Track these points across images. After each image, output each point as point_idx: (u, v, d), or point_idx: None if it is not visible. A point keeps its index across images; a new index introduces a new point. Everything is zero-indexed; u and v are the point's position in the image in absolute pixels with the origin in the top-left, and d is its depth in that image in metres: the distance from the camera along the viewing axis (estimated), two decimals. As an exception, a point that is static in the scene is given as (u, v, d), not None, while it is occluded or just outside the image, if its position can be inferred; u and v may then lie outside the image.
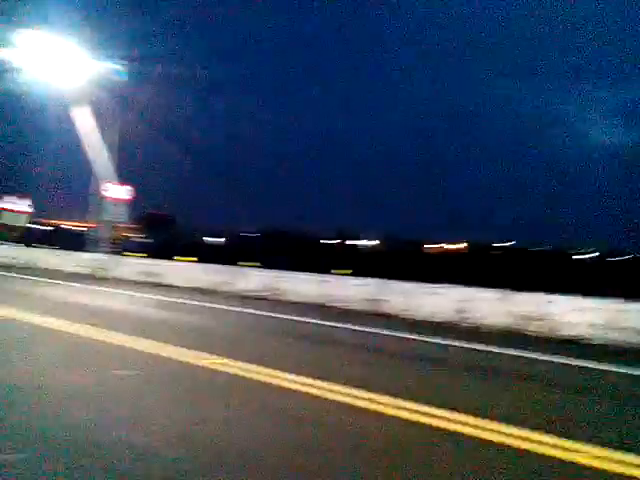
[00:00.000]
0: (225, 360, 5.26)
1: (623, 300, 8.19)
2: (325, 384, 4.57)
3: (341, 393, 4.36)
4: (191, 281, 13.95)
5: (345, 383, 4.61)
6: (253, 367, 5.02)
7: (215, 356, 5.41)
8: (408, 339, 7.97)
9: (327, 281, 11.90)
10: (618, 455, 3.41)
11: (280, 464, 2.96)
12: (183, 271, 15.66)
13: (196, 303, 10.87)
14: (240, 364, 5.12)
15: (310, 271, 13.94)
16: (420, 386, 5.10)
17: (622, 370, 6.28)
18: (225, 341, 7.07)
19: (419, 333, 8.23)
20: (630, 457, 3.41)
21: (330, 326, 8.90)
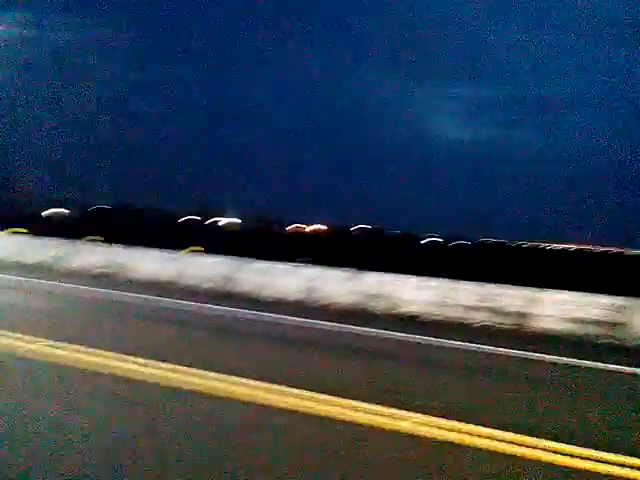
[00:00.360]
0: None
1: (454, 280, 8.97)
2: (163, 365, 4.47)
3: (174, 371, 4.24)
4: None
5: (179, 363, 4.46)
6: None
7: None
8: (256, 318, 7.86)
9: (178, 259, 11.30)
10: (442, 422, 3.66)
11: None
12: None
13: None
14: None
15: (164, 248, 13.10)
16: (261, 364, 5.03)
17: (457, 344, 6.83)
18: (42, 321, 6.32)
19: (270, 312, 8.18)
20: (451, 423, 3.65)
21: (175, 306, 8.43)
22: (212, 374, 4.35)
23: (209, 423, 3.52)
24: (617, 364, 6.21)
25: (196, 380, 4.22)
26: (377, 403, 3.93)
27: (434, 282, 8.95)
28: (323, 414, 3.71)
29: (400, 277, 9.23)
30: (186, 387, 4.04)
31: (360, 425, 3.56)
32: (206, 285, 10.42)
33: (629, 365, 6.19)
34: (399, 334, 7.18)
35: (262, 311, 8.22)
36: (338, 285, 9.50)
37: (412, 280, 9.10)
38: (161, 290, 9.62)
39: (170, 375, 4.29)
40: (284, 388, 4.15)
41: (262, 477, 2.76)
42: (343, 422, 3.60)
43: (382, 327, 7.56)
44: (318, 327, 7.47)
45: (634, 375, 5.94)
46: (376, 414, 3.74)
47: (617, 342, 7.56)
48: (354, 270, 9.61)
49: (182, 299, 8.81)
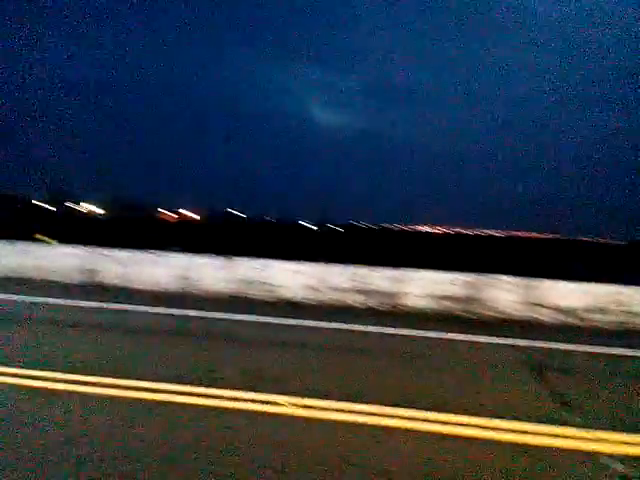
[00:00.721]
0: None
1: (329, 264, 9.13)
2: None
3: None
4: None
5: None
6: None
7: None
8: (119, 310, 7.28)
9: (29, 250, 10.02)
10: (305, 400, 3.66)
11: None
12: None
13: None
14: None
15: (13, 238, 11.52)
16: (116, 357, 4.62)
17: (333, 325, 6.95)
18: None
19: (139, 304, 7.65)
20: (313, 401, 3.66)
21: (28, 301, 7.47)
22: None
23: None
24: (475, 334, 6.84)
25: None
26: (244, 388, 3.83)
27: (309, 266, 9.02)
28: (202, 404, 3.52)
29: (276, 262, 9.16)
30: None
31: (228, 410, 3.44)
32: (64, 277, 9.43)
33: (476, 335, 6.85)
34: (275, 319, 7.15)
35: (131, 303, 7.66)
36: (212, 273, 9.17)
37: (287, 265, 9.08)
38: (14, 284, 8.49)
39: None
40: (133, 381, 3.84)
41: None
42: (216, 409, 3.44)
43: (259, 313, 7.47)
44: (192, 316, 7.13)
45: (491, 344, 6.56)
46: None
47: (475, 316, 8.32)
48: (228, 257, 9.33)
49: (37, 295, 7.85)
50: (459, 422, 3.74)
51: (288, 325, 6.96)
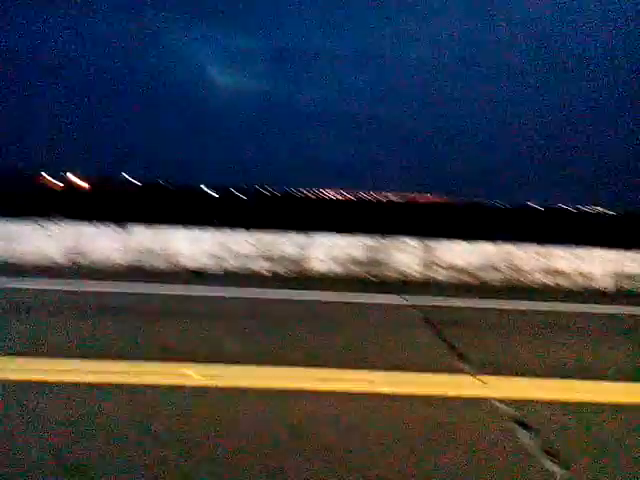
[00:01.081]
0: None
1: (232, 230, 8.88)
2: None
3: None
4: None
5: None
6: None
7: None
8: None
9: None
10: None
11: None
12: None
13: None
14: None
15: None
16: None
17: (238, 294, 6.80)
18: None
19: (17, 280, 6.95)
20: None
21: None
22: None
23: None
24: (377, 295, 7.08)
25: None
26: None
27: (212, 233, 8.73)
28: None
29: (176, 230, 8.74)
30: None
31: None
32: None
33: (378, 296, 7.11)
34: (176, 290, 6.86)
35: (12, 279, 6.93)
36: (107, 243, 8.54)
37: (188, 232, 8.71)
38: None
39: None
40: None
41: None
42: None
43: (159, 284, 7.12)
44: (83, 291, 6.61)
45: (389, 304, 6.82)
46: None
47: (378, 278, 8.60)
48: (123, 225, 8.74)
49: None
50: (363, 379, 3.84)
51: (190, 296, 6.70)
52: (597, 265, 8.90)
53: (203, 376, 3.75)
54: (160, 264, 8.48)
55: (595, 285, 8.81)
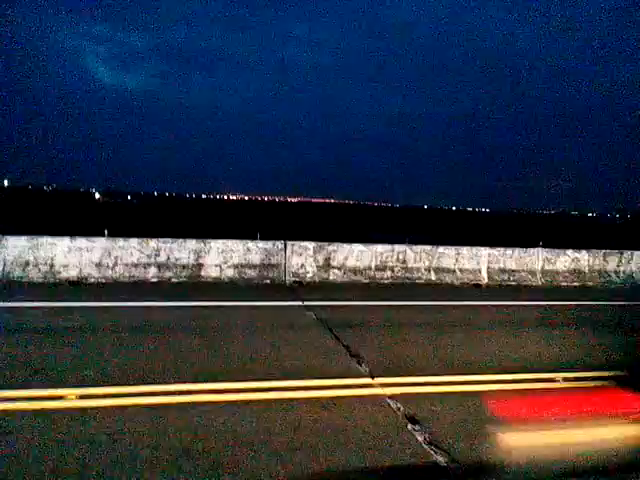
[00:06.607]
0: None
1: (120, 238, 8.36)
2: None
3: None
4: None
5: None
6: None
7: None
8: None
9: None
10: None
11: None
12: None
13: None
14: None
15: None
16: None
17: (125, 304, 6.38)
18: None
19: None
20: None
21: None
22: None
23: None
24: (271, 299, 7.05)
25: None
26: None
27: (98, 242, 8.14)
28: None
29: (56, 239, 8.03)
30: None
31: None
32: None
33: (273, 299, 7.10)
34: (55, 303, 6.30)
35: None
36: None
37: (70, 241, 8.05)
38: None
39: None
40: None
41: None
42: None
43: (35, 298, 6.49)
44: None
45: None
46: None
47: (272, 281, 8.57)
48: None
49: None
50: (259, 388, 3.80)
51: (69, 307, 6.17)
52: (476, 262, 9.65)
53: (79, 397, 3.46)
54: (38, 276, 7.72)
55: (476, 280, 9.54)
